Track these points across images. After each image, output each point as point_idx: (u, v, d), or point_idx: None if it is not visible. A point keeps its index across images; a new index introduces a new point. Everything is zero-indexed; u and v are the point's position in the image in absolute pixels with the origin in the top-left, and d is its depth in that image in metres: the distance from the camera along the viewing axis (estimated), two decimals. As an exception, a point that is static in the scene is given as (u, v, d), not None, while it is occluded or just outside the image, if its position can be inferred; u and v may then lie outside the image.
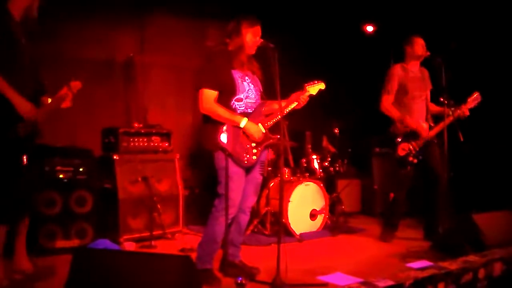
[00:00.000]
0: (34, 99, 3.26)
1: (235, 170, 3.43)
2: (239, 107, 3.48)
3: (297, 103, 3.60)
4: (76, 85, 3.38)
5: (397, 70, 4.86)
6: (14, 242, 3.38)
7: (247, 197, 3.64)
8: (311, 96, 3.66)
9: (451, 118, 4.62)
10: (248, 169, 3.55)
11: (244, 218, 3.71)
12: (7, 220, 3.22)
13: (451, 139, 4.56)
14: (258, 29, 3.55)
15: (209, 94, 3.40)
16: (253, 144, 3.48)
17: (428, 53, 4.73)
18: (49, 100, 3.39)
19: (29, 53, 3.28)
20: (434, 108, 4.91)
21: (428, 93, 4.97)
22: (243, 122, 3.41)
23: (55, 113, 3.48)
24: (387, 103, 4.84)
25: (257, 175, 3.68)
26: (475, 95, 4.71)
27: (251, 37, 3.51)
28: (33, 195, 3.82)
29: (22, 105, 3.12)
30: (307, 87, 3.65)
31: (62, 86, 3.44)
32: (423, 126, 4.74)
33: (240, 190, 3.50)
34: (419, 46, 4.80)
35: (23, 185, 3.29)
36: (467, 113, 4.67)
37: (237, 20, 3.54)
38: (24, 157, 3.25)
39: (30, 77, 3.28)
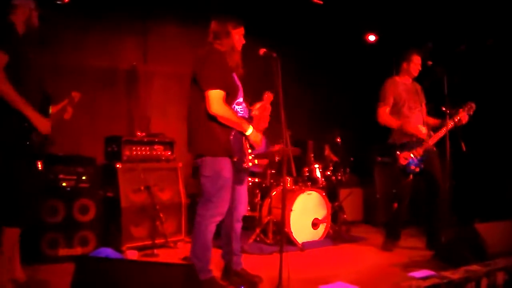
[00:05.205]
0: (42, 110, 3.35)
1: (227, 178, 3.36)
2: (240, 110, 3.45)
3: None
4: (76, 95, 3.63)
5: (390, 82, 4.92)
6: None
7: (240, 206, 3.61)
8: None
9: (450, 126, 4.67)
10: (237, 178, 3.47)
11: (239, 226, 3.70)
12: (21, 223, 3.27)
13: (453, 148, 4.59)
14: (242, 30, 3.53)
15: (220, 95, 3.27)
16: (249, 151, 3.43)
17: (430, 62, 4.78)
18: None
19: (34, 64, 3.35)
20: (432, 121, 4.95)
21: (424, 106, 5.01)
22: (250, 130, 3.35)
23: (58, 122, 3.56)
24: (384, 114, 4.87)
25: (245, 183, 3.68)
26: (470, 105, 4.78)
27: (238, 37, 3.49)
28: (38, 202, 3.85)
29: (42, 123, 3.26)
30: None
31: (65, 95, 3.69)
32: (421, 130, 4.75)
33: (229, 198, 3.42)
34: (416, 66, 4.91)
35: (37, 190, 3.41)
36: (466, 118, 4.74)
37: (223, 21, 3.46)
38: (39, 163, 3.36)
39: (37, 88, 3.36)
